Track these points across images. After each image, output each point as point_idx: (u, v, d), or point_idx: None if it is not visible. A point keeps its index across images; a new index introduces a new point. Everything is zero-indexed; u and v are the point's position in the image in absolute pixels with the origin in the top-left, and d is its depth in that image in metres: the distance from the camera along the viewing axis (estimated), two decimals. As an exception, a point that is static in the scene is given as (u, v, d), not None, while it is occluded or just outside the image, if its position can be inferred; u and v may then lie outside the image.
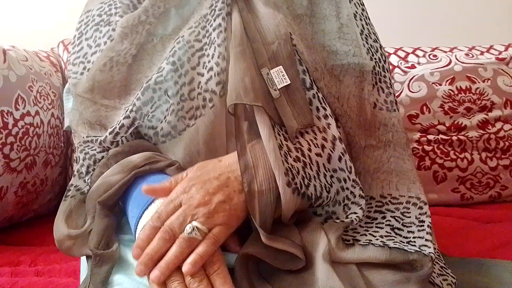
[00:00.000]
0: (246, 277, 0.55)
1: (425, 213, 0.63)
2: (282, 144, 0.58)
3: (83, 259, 0.66)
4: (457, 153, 1.25)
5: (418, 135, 1.26)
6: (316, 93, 0.63)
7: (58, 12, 1.57)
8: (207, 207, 0.53)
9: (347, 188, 0.61)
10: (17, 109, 1.08)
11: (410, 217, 0.63)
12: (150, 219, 0.54)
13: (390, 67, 1.24)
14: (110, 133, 0.65)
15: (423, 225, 0.61)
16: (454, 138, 1.25)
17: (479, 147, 1.25)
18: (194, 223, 0.52)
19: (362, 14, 0.72)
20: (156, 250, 0.52)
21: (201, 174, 0.56)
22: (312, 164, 0.59)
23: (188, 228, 0.52)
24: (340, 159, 0.61)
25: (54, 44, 1.41)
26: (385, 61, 0.71)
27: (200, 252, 0.51)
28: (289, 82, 0.61)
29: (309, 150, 0.60)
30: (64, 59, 1.35)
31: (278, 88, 0.61)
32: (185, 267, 0.50)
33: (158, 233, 0.53)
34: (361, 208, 0.60)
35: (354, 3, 0.71)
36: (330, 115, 0.62)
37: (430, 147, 1.25)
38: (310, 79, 0.63)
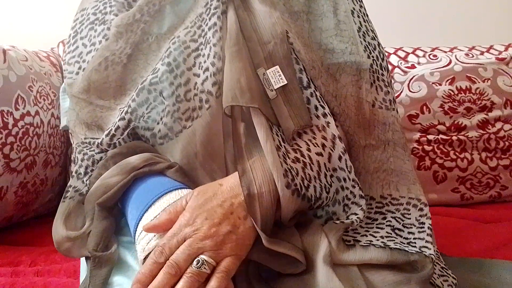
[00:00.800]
0: (246, 280, 0.54)
1: (425, 214, 0.63)
2: (281, 145, 0.57)
3: (83, 259, 0.66)
4: (457, 153, 1.25)
5: (418, 135, 1.26)
6: (314, 91, 0.62)
7: (58, 12, 1.56)
8: (214, 239, 0.52)
9: (347, 188, 0.60)
10: (17, 109, 1.08)
11: (410, 218, 0.62)
12: (153, 254, 0.52)
13: (390, 67, 1.24)
14: (106, 135, 0.64)
15: (423, 227, 0.61)
16: (454, 138, 1.25)
17: (479, 147, 1.25)
18: (203, 257, 0.51)
19: (360, 11, 0.71)
20: (162, 285, 0.50)
21: (203, 202, 0.54)
22: (313, 164, 0.58)
23: (195, 262, 0.51)
24: (340, 158, 0.60)
25: (54, 44, 1.41)
26: (383, 59, 0.70)
27: (213, 287, 0.50)
28: (285, 82, 0.61)
29: (308, 150, 0.59)
30: (64, 59, 1.35)
31: (275, 88, 0.61)
32: None
33: (164, 268, 0.51)
34: (362, 209, 0.59)
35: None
36: (328, 113, 0.61)
37: (430, 147, 1.25)
38: (307, 78, 0.63)
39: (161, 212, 0.56)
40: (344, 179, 0.60)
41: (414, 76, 1.28)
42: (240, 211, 0.54)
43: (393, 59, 1.32)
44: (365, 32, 0.69)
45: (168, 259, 0.51)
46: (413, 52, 1.35)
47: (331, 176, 0.60)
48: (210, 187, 0.56)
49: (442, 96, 1.25)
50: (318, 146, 0.60)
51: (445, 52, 1.34)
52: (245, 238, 0.54)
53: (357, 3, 0.71)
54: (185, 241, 0.52)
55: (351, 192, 0.60)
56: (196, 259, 0.51)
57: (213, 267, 0.51)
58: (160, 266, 0.51)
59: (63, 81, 1.29)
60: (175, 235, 0.53)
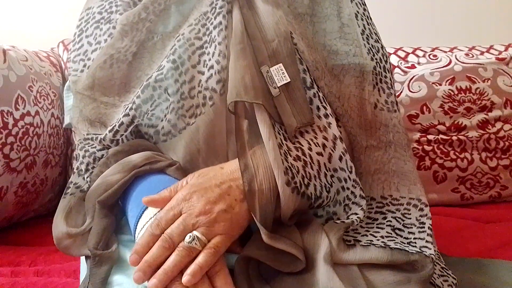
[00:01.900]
0: (246, 279, 0.54)
1: (426, 215, 0.63)
2: (282, 143, 0.58)
3: (83, 259, 0.66)
4: (457, 153, 1.25)
5: (418, 135, 1.26)
6: (317, 92, 0.63)
7: (58, 12, 1.57)
8: (208, 216, 0.53)
9: (348, 188, 0.61)
10: (17, 109, 1.08)
11: (410, 218, 0.62)
12: (150, 226, 0.53)
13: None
14: (110, 131, 0.65)
15: (424, 227, 0.61)
16: (454, 138, 1.25)
17: (479, 147, 1.25)
18: (195, 233, 0.52)
19: (364, 14, 0.71)
20: (155, 257, 0.51)
21: (202, 181, 0.56)
22: (313, 163, 0.59)
23: (188, 237, 0.52)
24: (340, 158, 0.61)
25: (54, 44, 1.41)
26: (386, 61, 0.70)
27: (200, 262, 0.51)
28: (289, 80, 0.61)
29: (310, 149, 0.59)
30: (64, 59, 1.36)
31: (278, 86, 0.61)
32: (185, 278, 0.50)
33: (158, 241, 0.52)
34: (362, 209, 0.59)
35: (356, 3, 0.71)
36: (330, 114, 0.62)
37: (430, 147, 1.25)
38: (311, 78, 0.63)
39: (163, 189, 0.57)
40: (345, 180, 0.61)
41: (414, 76, 1.28)
42: (238, 193, 0.55)
43: (393, 59, 1.33)
44: (369, 35, 0.69)
45: (163, 232, 0.53)
46: (413, 52, 1.35)
47: (332, 176, 0.60)
48: (211, 169, 0.58)
49: (442, 96, 1.25)
50: (319, 146, 0.60)
51: (445, 52, 1.34)
52: (240, 219, 0.55)
53: (361, 6, 0.72)
54: (180, 215, 0.53)
55: (352, 192, 0.60)
56: (188, 234, 0.52)
57: (204, 244, 0.52)
58: (156, 239, 0.52)
59: (63, 81, 1.30)
60: (172, 209, 0.54)
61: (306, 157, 0.59)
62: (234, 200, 0.55)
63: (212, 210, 0.53)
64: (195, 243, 0.51)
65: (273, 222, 0.56)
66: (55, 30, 1.51)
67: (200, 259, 0.51)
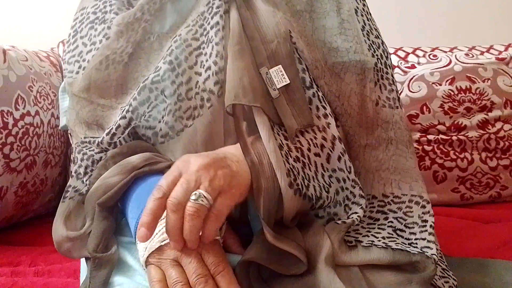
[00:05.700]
0: (246, 281, 0.54)
1: (428, 212, 0.62)
2: (283, 144, 0.57)
3: (83, 259, 0.66)
4: (457, 153, 1.25)
5: (418, 135, 1.26)
6: (316, 92, 0.62)
7: (58, 12, 1.56)
8: (207, 171, 0.51)
9: (347, 188, 0.60)
10: (17, 109, 1.08)
11: (412, 216, 0.62)
12: (151, 194, 0.51)
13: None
14: (107, 134, 0.64)
15: (426, 225, 0.61)
16: (454, 138, 1.25)
17: (479, 147, 1.25)
18: (199, 190, 0.50)
19: (363, 9, 0.71)
20: (173, 225, 0.49)
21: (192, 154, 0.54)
22: (311, 165, 0.58)
23: (193, 196, 0.49)
24: (339, 159, 0.60)
25: (54, 44, 1.41)
26: (387, 57, 0.70)
27: (206, 229, 0.50)
28: (288, 81, 0.61)
29: (309, 150, 0.59)
30: (64, 59, 1.35)
31: (277, 87, 0.61)
32: (189, 245, 0.50)
33: (167, 208, 0.49)
34: (362, 208, 0.59)
35: None
36: (330, 114, 0.61)
37: (430, 147, 1.25)
38: (310, 78, 0.62)
39: None
40: (344, 180, 0.60)
41: (414, 76, 1.28)
42: (233, 156, 0.54)
43: (393, 59, 1.32)
44: (369, 30, 0.69)
45: (167, 197, 0.50)
46: (413, 52, 1.35)
47: (330, 176, 0.60)
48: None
49: (442, 96, 1.25)
50: (317, 147, 0.60)
51: (445, 52, 1.34)
52: (239, 178, 0.53)
53: (361, 2, 0.71)
54: (180, 176, 0.51)
55: (351, 192, 0.60)
56: (193, 193, 0.49)
57: (209, 203, 0.50)
58: (160, 203, 0.50)
59: (63, 81, 1.30)
60: (172, 172, 0.52)
61: (305, 159, 0.58)
62: (231, 161, 0.53)
63: (210, 166, 0.51)
64: (202, 200, 0.49)
65: (275, 223, 0.55)
66: (55, 30, 1.51)
67: (206, 226, 0.50)
